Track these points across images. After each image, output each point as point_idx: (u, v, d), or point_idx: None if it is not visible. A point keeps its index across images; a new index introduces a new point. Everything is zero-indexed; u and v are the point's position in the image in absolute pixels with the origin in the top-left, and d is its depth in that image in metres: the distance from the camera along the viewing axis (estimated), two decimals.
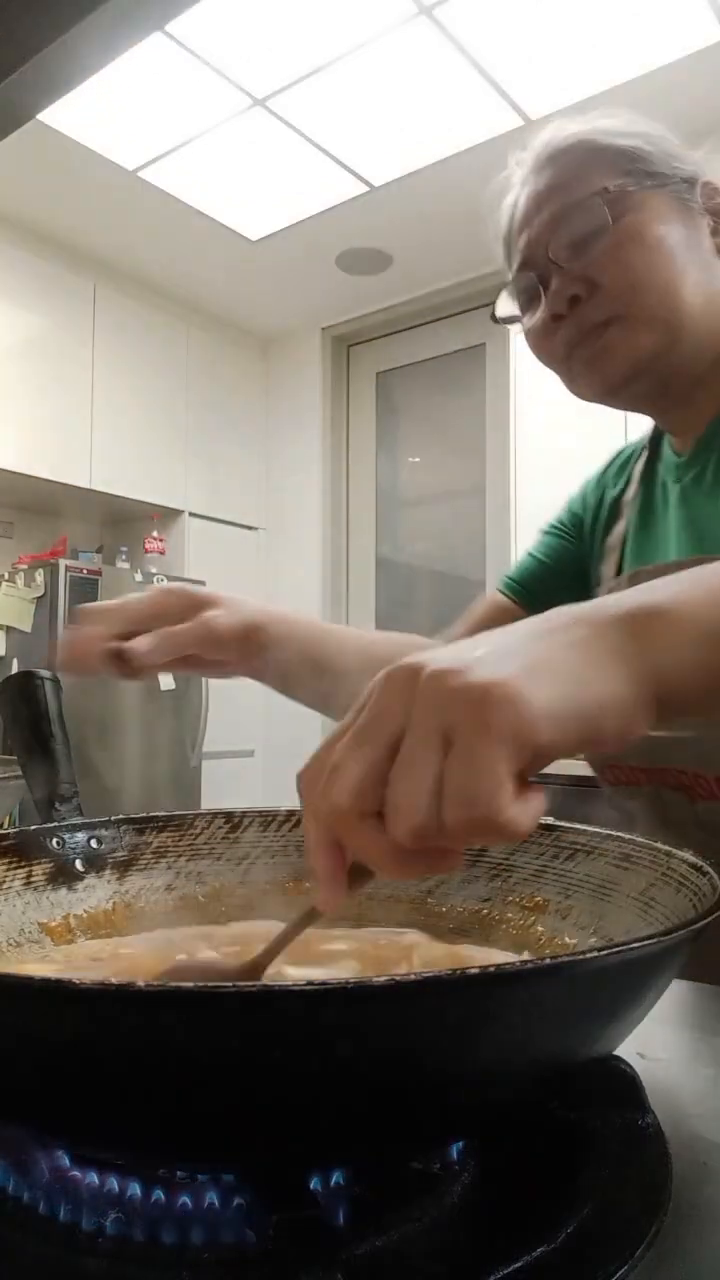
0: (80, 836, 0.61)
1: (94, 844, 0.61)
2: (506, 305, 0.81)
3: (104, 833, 0.62)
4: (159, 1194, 0.33)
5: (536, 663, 0.34)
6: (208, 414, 3.87)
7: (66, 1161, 0.35)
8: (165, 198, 3.07)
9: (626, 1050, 0.43)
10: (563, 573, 0.92)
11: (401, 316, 3.85)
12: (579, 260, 0.74)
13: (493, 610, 0.94)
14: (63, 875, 0.59)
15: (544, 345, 0.79)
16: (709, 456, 0.79)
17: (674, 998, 0.57)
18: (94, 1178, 0.34)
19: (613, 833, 0.51)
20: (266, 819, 0.64)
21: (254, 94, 2.57)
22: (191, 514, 3.79)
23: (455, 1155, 0.36)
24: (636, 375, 0.75)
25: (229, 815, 0.65)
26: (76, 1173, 0.34)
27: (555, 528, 0.96)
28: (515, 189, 0.80)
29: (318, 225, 3.23)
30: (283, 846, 0.64)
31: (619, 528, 0.88)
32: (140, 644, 0.65)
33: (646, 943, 0.31)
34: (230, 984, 0.26)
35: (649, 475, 0.88)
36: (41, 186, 3.00)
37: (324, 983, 0.26)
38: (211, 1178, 0.33)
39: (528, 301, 0.79)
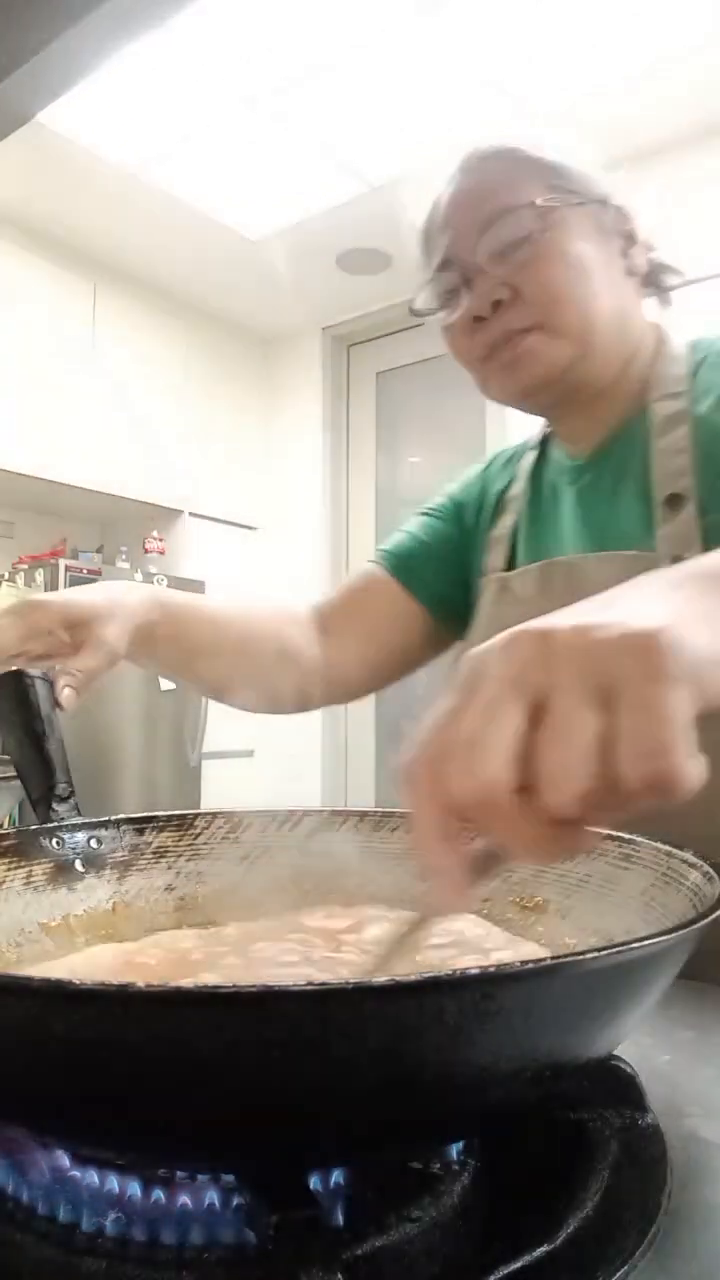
0: (80, 836, 0.61)
1: (94, 844, 0.61)
2: (426, 299, 0.84)
3: (104, 833, 0.62)
4: (159, 1194, 0.33)
5: (683, 612, 0.32)
6: (207, 414, 3.87)
7: (66, 1161, 0.35)
8: (165, 198, 3.07)
9: (626, 1050, 0.43)
10: (438, 553, 0.96)
11: (401, 316, 3.82)
12: (503, 266, 0.77)
13: (367, 582, 0.98)
14: (62, 875, 0.59)
15: (462, 344, 0.82)
16: (607, 463, 0.83)
17: (674, 998, 0.57)
18: (94, 1178, 0.34)
19: (613, 833, 0.51)
20: (266, 819, 0.64)
21: (254, 94, 2.57)
22: (191, 514, 3.79)
23: (455, 1155, 0.36)
24: (550, 383, 0.79)
25: (229, 815, 0.65)
26: (76, 1173, 0.34)
27: (433, 511, 1.00)
28: (438, 183, 0.83)
29: (318, 225, 3.23)
30: (283, 847, 0.64)
31: (506, 521, 0.91)
32: (69, 700, 0.69)
33: (646, 943, 0.31)
34: (230, 984, 0.26)
35: (537, 475, 0.92)
36: (41, 186, 3.00)
37: (324, 983, 0.26)
38: (211, 1178, 0.33)
39: (448, 298, 0.82)
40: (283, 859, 0.63)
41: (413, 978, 0.27)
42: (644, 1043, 0.50)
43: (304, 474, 4.01)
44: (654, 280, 0.85)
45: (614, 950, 0.30)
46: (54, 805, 0.64)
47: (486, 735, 0.31)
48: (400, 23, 2.31)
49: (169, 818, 0.64)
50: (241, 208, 3.15)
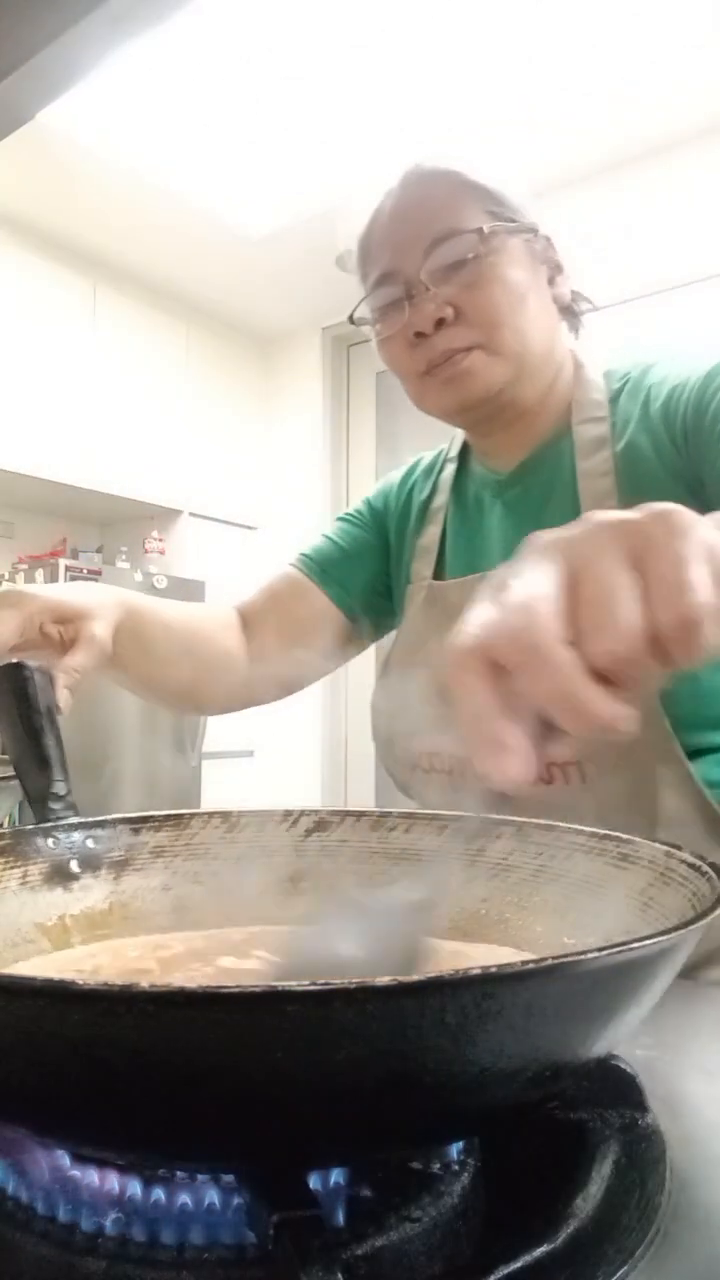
0: (76, 836, 0.61)
1: (90, 844, 0.61)
2: (365, 309, 0.87)
3: (100, 832, 0.62)
4: (159, 1194, 0.33)
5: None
6: (208, 414, 3.87)
7: (66, 1161, 0.35)
8: (165, 197, 3.07)
9: (626, 1050, 0.43)
10: (357, 557, 1.01)
11: None
12: (446, 285, 0.79)
13: (288, 584, 1.02)
14: (59, 875, 0.59)
15: (402, 357, 0.85)
16: (533, 480, 0.87)
17: (674, 998, 0.57)
18: (94, 1178, 0.34)
19: (612, 833, 0.51)
20: (264, 819, 0.64)
21: (255, 93, 2.57)
22: (191, 514, 3.79)
23: (455, 1155, 0.36)
24: (485, 400, 0.83)
25: (226, 815, 0.64)
26: (76, 1173, 0.34)
27: (352, 517, 1.04)
28: (375, 192, 0.85)
29: (318, 225, 3.23)
30: (280, 847, 0.64)
31: (432, 531, 0.95)
32: (67, 702, 0.69)
33: (646, 943, 0.31)
34: (232, 985, 0.26)
35: (460, 488, 0.96)
36: (41, 186, 3.00)
37: (326, 983, 0.26)
38: (211, 1178, 0.33)
39: (387, 311, 0.84)
40: (280, 859, 0.63)
41: (414, 978, 0.27)
42: (644, 1043, 0.50)
43: (304, 474, 4.01)
44: (570, 308, 0.89)
45: (614, 950, 0.29)
46: (51, 804, 0.63)
47: (528, 601, 0.32)
48: (401, 22, 2.31)
49: (165, 817, 0.63)
50: (241, 208, 3.16)
